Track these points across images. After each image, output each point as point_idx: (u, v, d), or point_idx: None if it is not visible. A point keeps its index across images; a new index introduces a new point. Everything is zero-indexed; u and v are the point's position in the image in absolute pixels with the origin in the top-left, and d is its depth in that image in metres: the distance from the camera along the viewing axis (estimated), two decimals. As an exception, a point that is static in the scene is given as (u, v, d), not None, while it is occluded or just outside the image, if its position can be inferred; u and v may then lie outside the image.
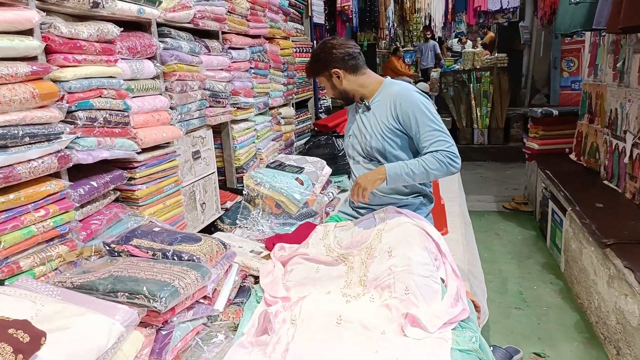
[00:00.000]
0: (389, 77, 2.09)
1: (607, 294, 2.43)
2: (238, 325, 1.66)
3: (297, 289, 1.76)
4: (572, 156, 4.23)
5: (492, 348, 1.84)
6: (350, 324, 1.55)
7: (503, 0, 6.07)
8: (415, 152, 1.97)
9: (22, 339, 0.98)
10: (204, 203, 2.58)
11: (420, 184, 2.01)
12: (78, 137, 1.61)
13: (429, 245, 1.77)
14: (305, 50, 4.48)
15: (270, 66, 3.48)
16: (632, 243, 2.43)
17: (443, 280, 1.71)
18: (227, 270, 1.81)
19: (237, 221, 2.64)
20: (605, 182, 3.45)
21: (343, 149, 3.64)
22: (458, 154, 1.87)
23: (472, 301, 1.77)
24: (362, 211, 2.03)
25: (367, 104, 2.03)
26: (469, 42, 9.65)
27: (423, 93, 1.98)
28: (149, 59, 2.06)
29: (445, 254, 1.80)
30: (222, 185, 2.97)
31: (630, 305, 2.17)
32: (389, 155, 1.96)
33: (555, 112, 4.50)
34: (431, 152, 1.85)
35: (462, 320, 1.56)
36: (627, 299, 2.21)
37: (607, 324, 2.42)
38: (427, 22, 6.96)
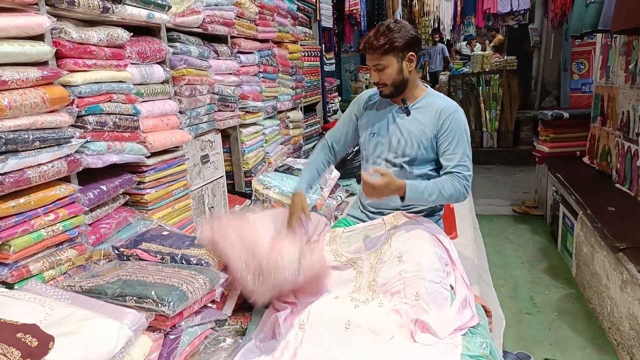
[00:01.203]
0: (430, 87, 2.02)
1: (620, 299, 2.39)
2: (246, 329, 1.66)
3: (306, 294, 1.75)
4: (585, 159, 4.18)
5: (502, 353, 1.81)
6: (359, 329, 1.53)
7: (513, 3, 6.03)
8: (438, 166, 1.95)
9: (30, 343, 0.98)
10: (212, 207, 2.59)
11: None
12: (88, 142, 1.62)
13: (440, 251, 1.75)
14: (313, 54, 4.49)
15: (278, 70, 3.49)
16: (646, 247, 2.39)
17: (452, 287, 1.69)
18: (235, 274, 1.81)
19: (246, 225, 2.63)
20: (618, 185, 3.40)
21: (352, 152, 3.62)
22: (470, 182, 1.86)
23: (483, 306, 1.75)
24: (371, 215, 2.02)
25: (408, 106, 1.91)
26: (478, 45, 9.61)
27: (464, 113, 1.95)
28: (158, 63, 2.07)
29: (455, 261, 1.78)
30: (231, 189, 2.98)
31: (644, 311, 2.13)
32: (417, 164, 1.91)
33: (566, 115, 4.45)
34: (451, 173, 1.82)
35: (472, 326, 1.54)
36: (640, 305, 2.18)
37: (620, 330, 2.38)
38: (436, 25, 6.94)
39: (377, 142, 1.97)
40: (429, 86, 2.02)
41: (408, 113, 1.91)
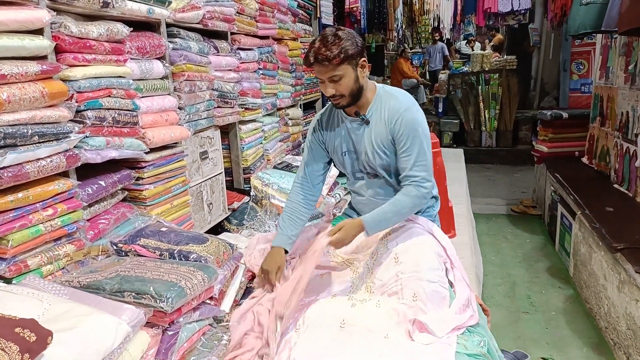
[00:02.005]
0: (381, 85, 1.88)
1: (617, 299, 2.40)
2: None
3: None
4: (584, 160, 4.19)
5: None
6: (354, 327, 1.54)
7: (514, 2, 6.03)
8: None
9: (28, 338, 0.98)
10: (211, 203, 2.58)
11: None
12: (87, 137, 1.61)
13: (437, 250, 1.75)
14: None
15: (278, 67, 3.48)
16: (644, 248, 2.40)
17: (452, 285, 1.69)
18: (233, 271, 1.81)
19: (244, 222, 2.64)
20: (616, 185, 3.41)
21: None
22: (430, 189, 1.78)
23: (480, 305, 1.75)
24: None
25: (364, 117, 1.81)
26: (478, 44, 9.60)
27: (420, 108, 1.84)
28: (158, 59, 2.06)
29: (453, 259, 1.77)
30: (230, 186, 2.97)
31: (641, 311, 2.14)
32: (393, 169, 1.84)
33: (565, 115, 4.46)
34: (406, 183, 1.77)
35: (470, 325, 1.55)
36: (637, 305, 2.18)
37: (617, 330, 2.39)
38: (436, 24, 6.93)
39: (351, 159, 1.90)
40: (377, 84, 1.89)
41: (367, 122, 1.82)
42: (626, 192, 3.25)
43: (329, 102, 1.90)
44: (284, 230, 1.88)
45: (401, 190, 1.78)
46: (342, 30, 1.72)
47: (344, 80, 1.71)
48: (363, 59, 1.74)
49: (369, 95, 1.82)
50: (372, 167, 1.85)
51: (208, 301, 1.59)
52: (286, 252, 1.83)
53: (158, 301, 1.33)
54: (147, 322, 1.33)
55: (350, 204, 2.17)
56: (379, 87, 1.86)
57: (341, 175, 3.32)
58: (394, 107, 1.78)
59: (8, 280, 1.37)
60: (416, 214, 1.90)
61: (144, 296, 1.34)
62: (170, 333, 1.39)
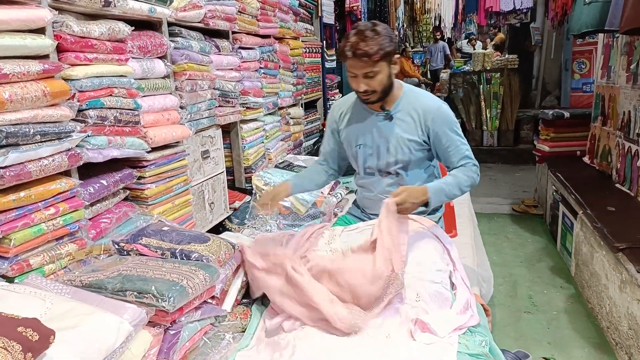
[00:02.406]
0: (405, 84, 1.91)
1: (618, 299, 2.40)
2: (246, 325, 1.66)
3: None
4: (586, 159, 4.18)
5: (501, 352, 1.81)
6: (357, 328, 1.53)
7: (516, 1, 6.02)
8: (431, 167, 1.95)
9: (31, 337, 0.98)
10: (212, 203, 2.58)
11: None
12: (88, 136, 1.62)
13: (440, 251, 1.75)
14: (315, 51, 4.48)
15: (279, 66, 3.48)
16: (646, 248, 2.39)
17: (453, 286, 1.68)
18: (235, 270, 1.81)
19: (246, 221, 2.64)
20: (618, 185, 3.40)
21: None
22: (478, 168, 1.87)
23: (482, 305, 1.75)
24: (371, 216, 2.01)
25: (389, 112, 1.83)
26: (479, 43, 9.59)
27: (446, 104, 1.90)
28: (159, 58, 2.06)
29: (455, 261, 1.77)
30: (231, 185, 2.97)
31: (643, 311, 2.14)
32: (411, 168, 1.88)
33: (567, 115, 4.44)
34: (460, 166, 1.83)
35: (472, 325, 1.54)
36: (639, 305, 2.18)
37: (618, 330, 2.39)
38: (437, 23, 6.93)
39: (365, 154, 1.90)
40: (402, 82, 1.92)
41: (391, 118, 1.85)
42: (628, 191, 3.24)
43: (351, 94, 1.93)
44: (293, 178, 2.06)
45: (459, 167, 1.83)
46: (379, 25, 1.71)
47: (379, 76, 1.71)
48: (397, 55, 1.76)
49: (395, 91, 1.85)
50: (388, 162, 1.87)
51: (210, 300, 1.59)
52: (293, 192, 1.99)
53: (160, 300, 1.33)
54: (149, 322, 1.33)
55: (355, 201, 2.17)
56: (404, 85, 1.90)
57: (343, 174, 3.32)
58: (427, 105, 1.83)
59: (10, 280, 1.37)
60: (421, 215, 1.91)
61: (146, 295, 1.34)
62: (172, 332, 1.39)
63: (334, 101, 5.21)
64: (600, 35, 4.21)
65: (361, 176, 1.99)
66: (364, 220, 2.02)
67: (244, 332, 1.63)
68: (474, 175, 1.82)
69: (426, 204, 1.72)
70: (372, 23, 1.72)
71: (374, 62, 1.67)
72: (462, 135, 1.87)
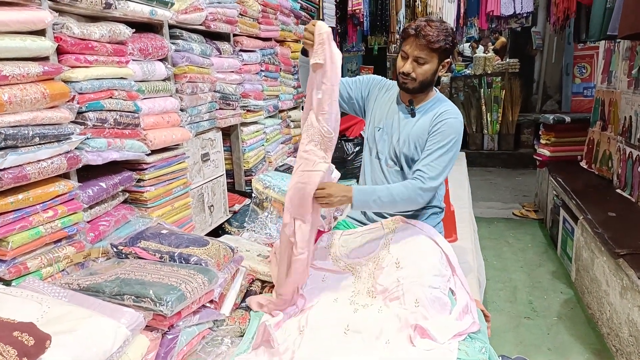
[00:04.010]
0: (438, 92, 1.95)
1: (619, 305, 2.39)
2: (244, 330, 1.65)
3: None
4: (583, 164, 4.17)
5: (500, 358, 1.80)
6: (358, 334, 1.53)
7: (517, 5, 6.01)
8: None
9: (27, 342, 0.97)
10: (212, 205, 2.58)
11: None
12: (88, 138, 1.61)
13: (439, 256, 1.74)
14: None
15: (280, 69, 3.48)
16: (646, 254, 2.38)
17: (452, 292, 1.68)
18: (234, 274, 1.80)
19: (245, 224, 2.63)
20: (618, 190, 3.40)
21: (352, 153, 3.62)
22: (431, 192, 1.80)
23: (482, 311, 1.74)
24: (371, 217, 2.01)
25: (414, 109, 1.87)
26: (481, 47, 9.58)
27: (462, 122, 1.88)
28: (160, 60, 2.06)
29: (454, 266, 1.76)
30: (231, 188, 2.97)
31: (644, 318, 2.13)
32: (413, 164, 1.88)
33: (568, 119, 4.44)
34: (411, 177, 1.80)
35: (472, 332, 1.54)
36: (640, 311, 2.17)
37: (619, 336, 2.38)
38: (439, 27, 6.92)
39: (381, 138, 1.94)
40: (438, 90, 1.97)
41: (413, 115, 1.88)
42: (629, 197, 3.23)
43: (394, 84, 1.95)
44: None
45: (408, 179, 1.81)
46: (448, 24, 1.77)
47: (426, 67, 1.75)
48: (448, 59, 1.79)
49: (430, 93, 1.90)
50: (398, 152, 1.88)
51: (208, 304, 1.58)
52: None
53: (158, 304, 1.32)
54: (146, 326, 1.32)
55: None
56: (438, 93, 1.94)
57: (342, 178, 3.31)
58: (444, 110, 1.84)
59: (7, 283, 1.36)
60: (419, 218, 1.90)
61: (144, 299, 1.33)
62: (169, 337, 1.38)
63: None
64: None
65: (370, 158, 2.00)
66: (363, 224, 2.02)
67: (242, 336, 1.62)
68: (414, 195, 1.75)
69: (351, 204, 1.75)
70: (440, 18, 1.74)
71: (431, 50, 1.70)
72: (448, 156, 1.79)
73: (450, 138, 1.79)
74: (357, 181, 3.32)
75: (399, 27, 6.89)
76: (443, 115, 1.82)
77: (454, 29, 1.72)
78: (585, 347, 2.52)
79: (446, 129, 1.79)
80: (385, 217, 1.93)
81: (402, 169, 1.90)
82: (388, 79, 2.07)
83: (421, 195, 1.77)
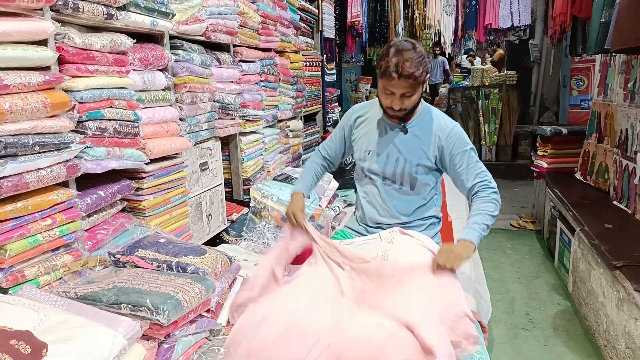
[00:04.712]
0: (423, 101, 1.92)
1: (616, 317, 2.39)
2: (241, 340, 1.64)
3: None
4: (578, 175, 4.19)
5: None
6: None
7: (514, 18, 6.08)
8: (436, 181, 1.95)
9: (23, 350, 0.98)
10: (210, 214, 2.58)
11: (430, 206, 1.99)
12: (87, 147, 1.62)
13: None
14: (315, 64, 4.51)
15: (280, 79, 3.50)
16: (643, 266, 2.39)
17: None
18: (231, 283, 1.80)
19: (243, 233, 2.63)
20: (615, 202, 3.41)
21: (351, 163, 3.63)
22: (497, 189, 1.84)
23: (479, 322, 1.74)
24: (369, 229, 2.01)
25: (405, 126, 1.85)
26: (478, 59, 9.67)
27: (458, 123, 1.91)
28: (160, 70, 2.08)
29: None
30: (229, 197, 2.97)
31: (641, 330, 2.13)
32: (419, 182, 1.89)
33: (565, 131, 4.47)
34: (476, 192, 1.82)
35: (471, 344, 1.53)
36: (636, 323, 2.17)
37: (616, 348, 2.37)
38: (437, 39, 6.99)
39: (374, 160, 1.92)
40: (421, 99, 1.95)
41: (406, 131, 1.88)
42: (625, 209, 3.24)
43: (371, 102, 1.97)
44: (304, 179, 2.07)
45: (476, 198, 1.82)
46: (417, 44, 1.71)
47: (414, 96, 1.74)
48: (428, 74, 1.78)
49: (417, 108, 1.89)
50: (399, 172, 1.89)
51: (205, 314, 1.58)
52: (307, 198, 2.01)
53: (154, 314, 1.32)
54: (143, 335, 1.32)
55: (353, 214, 2.17)
56: (423, 102, 1.91)
57: (341, 187, 3.33)
58: (443, 124, 1.86)
59: (4, 291, 1.36)
60: (417, 229, 1.91)
61: (141, 308, 1.33)
62: (166, 346, 1.38)
63: (333, 114, 5.24)
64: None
65: (364, 180, 2.01)
66: (361, 234, 2.02)
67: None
68: (495, 202, 1.80)
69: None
70: (411, 43, 1.71)
71: (418, 84, 1.70)
72: (477, 157, 1.85)
73: (466, 142, 1.84)
74: (355, 191, 3.35)
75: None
76: (444, 131, 1.84)
77: (425, 53, 1.72)
78: (582, 359, 2.52)
79: (458, 142, 1.83)
80: (383, 229, 1.93)
81: (401, 186, 1.90)
82: (360, 103, 2.08)
83: (498, 196, 1.83)
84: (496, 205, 1.80)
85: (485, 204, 1.78)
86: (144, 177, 1.95)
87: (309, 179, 2.07)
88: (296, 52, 3.96)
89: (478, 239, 1.69)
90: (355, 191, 3.34)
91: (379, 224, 1.97)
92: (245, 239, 2.59)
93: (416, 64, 1.66)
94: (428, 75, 1.74)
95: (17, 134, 1.35)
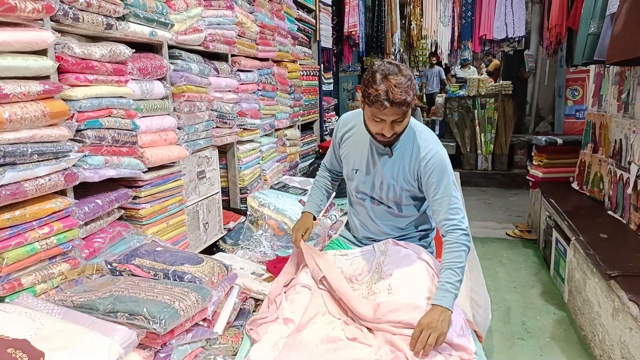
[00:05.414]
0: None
1: (611, 326, 2.39)
2: (237, 349, 1.65)
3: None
4: (574, 185, 4.22)
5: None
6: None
7: (509, 30, 6.15)
8: (423, 202, 1.92)
9: (20, 358, 0.98)
10: (207, 223, 2.58)
11: (423, 220, 1.98)
12: (86, 155, 1.63)
13: (431, 278, 1.74)
14: (312, 74, 4.55)
15: (277, 88, 3.53)
16: (638, 275, 2.40)
17: None
18: (227, 292, 1.80)
19: (240, 242, 2.63)
20: (610, 212, 3.43)
21: (347, 172, 3.64)
22: (467, 223, 1.74)
23: (475, 331, 1.74)
24: (363, 240, 2.02)
25: (391, 149, 1.78)
26: (473, 69, 9.73)
27: (442, 146, 1.80)
28: (159, 79, 2.09)
29: None
30: (226, 206, 2.98)
31: (636, 339, 2.13)
32: (407, 205, 1.85)
33: (560, 141, 4.50)
34: (449, 232, 1.70)
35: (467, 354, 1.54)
36: (632, 333, 2.18)
37: (611, 358, 2.38)
38: (434, 49, 7.05)
39: (360, 180, 1.88)
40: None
41: (391, 155, 1.80)
42: (620, 219, 3.26)
43: (356, 114, 1.91)
44: (313, 198, 2.10)
45: (446, 244, 1.71)
46: (402, 66, 1.64)
47: (405, 121, 1.67)
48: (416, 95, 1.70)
49: None
50: (381, 195, 1.86)
51: (201, 323, 1.58)
52: (314, 218, 2.05)
53: (151, 322, 1.32)
54: (139, 344, 1.32)
55: (346, 224, 2.18)
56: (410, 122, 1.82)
57: (338, 196, 3.33)
58: (425, 149, 1.76)
59: (1, 299, 1.36)
60: (410, 239, 1.92)
61: (137, 317, 1.33)
62: (162, 355, 1.38)
63: (330, 123, 5.27)
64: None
65: (353, 199, 2.00)
66: (355, 244, 2.03)
67: (235, 355, 1.62)
68: (465, 249, 1.68)
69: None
70: (395, 65, 1.62)
71: (408, 110, 1.63)
72: (453, 186, 1.74)
73: (444, 170, 1.74)
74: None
75: (395, 49, 7.01)
76: (423, 154, 1.75)
77: (412, 74, 1.63)
78: (578, 368, 2.52)
79: (434, 167, 1.73)
80: (377, 241, 1.94)
81: (389, 207, 1.89)
82: (346, 115, 2.00)
83: (468, 239, 1.71)
84: (466, 252, 1.68)
85: (454, 253, 1.67)
86: (142, 186, 1.96)
87: (318, 195, 2.12)
88: (294, 61, 3.98)
89: (452, 302, 1.60)
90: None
91: (372, 239, 1.98)
92: (242, 247, 2.59)
93: (406, 88, 1.58)
94: (416, 95, 1.66)
95: (16, 143, 1.36)
